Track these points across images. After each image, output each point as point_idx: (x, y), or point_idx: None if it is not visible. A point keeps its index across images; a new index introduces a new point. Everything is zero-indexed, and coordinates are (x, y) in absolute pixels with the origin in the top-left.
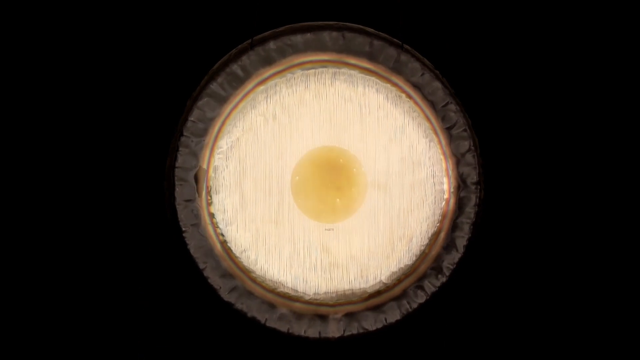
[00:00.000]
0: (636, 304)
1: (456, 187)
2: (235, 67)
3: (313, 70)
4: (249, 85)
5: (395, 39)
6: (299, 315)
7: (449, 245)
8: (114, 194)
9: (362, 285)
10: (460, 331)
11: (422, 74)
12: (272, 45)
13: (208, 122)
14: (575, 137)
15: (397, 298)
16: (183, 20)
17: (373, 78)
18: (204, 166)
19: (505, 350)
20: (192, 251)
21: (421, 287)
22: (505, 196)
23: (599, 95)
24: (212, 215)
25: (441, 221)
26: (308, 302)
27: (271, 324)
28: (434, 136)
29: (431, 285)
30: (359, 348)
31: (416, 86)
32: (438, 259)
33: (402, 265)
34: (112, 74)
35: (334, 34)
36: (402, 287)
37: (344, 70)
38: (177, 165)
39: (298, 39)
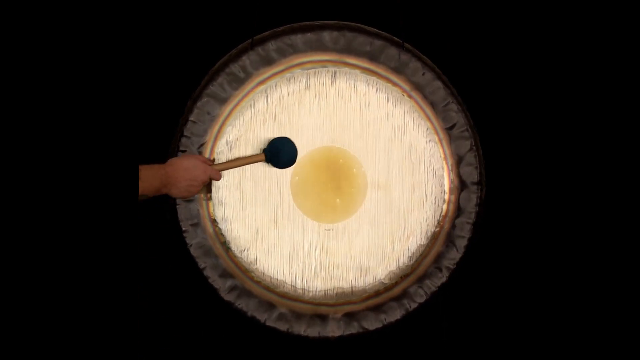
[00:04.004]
0: (636, 303)
1: (457, 187)
2: (235, 67)
3: (313, 70)
4: (249, 85)
5: (396, 39)
6: (298, 315)
7: (449, 246)
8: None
9: (362, 285)
10: (459, 331)
11: (423, 74)
12: (272, 45)
13: (208, 122)
14: (576, 136)
15: (397, 298)
16: (183, 20)
17: (374, 78)
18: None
19: (505, 350)
20: (192, 251)
21: (421, 287)
22: (506, 196)
23: (599, 95)
24: (212, 215)
25: (441, 221)
26: (308, 302)
27: (271, 323)
28: (435, 136)
29: (431, 285)
30: (358, 348)
31: (417, 86)
32: (438, 259)
33: (402, 265)
34: (112, 74)
35: (335, 33)
36: (402, 287)
37: (345, 69)
38: None
39: (298, 38)
